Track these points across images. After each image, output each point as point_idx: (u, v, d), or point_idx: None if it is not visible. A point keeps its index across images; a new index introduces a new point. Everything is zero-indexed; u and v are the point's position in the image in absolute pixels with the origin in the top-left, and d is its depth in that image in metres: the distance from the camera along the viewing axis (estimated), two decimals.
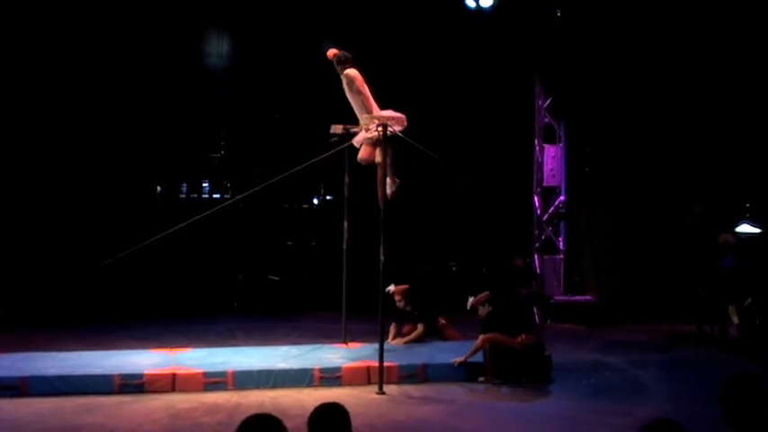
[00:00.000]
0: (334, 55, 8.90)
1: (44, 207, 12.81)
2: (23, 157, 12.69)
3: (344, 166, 9.40)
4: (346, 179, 9.49)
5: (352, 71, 8.81)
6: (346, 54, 8.88)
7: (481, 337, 8.64)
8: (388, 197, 8.89)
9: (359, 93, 8.79)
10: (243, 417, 3.18)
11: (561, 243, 13.26)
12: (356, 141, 9.02)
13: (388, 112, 8.85)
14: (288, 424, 3.17)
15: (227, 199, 12.53)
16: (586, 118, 12.98)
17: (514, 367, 8.61)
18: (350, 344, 9.63)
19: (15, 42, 12.22)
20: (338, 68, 8.89)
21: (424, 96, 12.10)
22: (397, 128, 8.73)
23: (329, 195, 14.34)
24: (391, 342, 9.67)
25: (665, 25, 12.14)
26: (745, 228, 11.57)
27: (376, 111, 8.80)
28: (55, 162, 12.82)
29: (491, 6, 12.21)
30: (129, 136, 13.26)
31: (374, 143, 8.88)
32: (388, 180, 8.88)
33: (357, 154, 9.16)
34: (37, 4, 12.05)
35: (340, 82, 8.91)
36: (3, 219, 12.56)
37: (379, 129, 8.63)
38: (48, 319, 11.74)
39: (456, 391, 8.32)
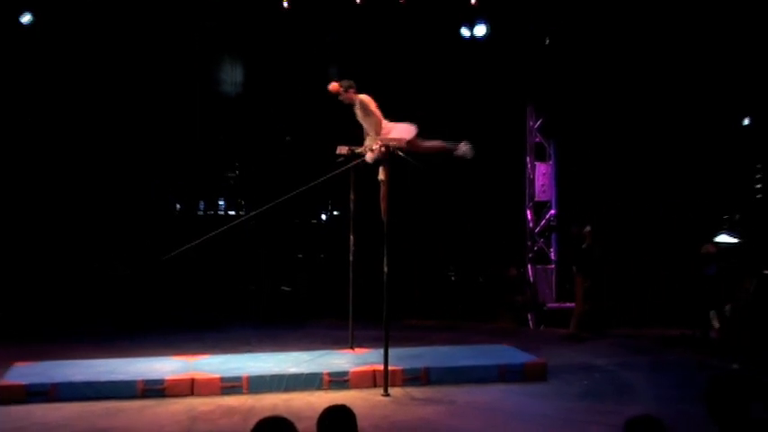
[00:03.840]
0: (337, 89, 8.87)
1: (73, 223, 12.84)
2: (56, 177, 12.74)
3: (350, 185, 9.41)
4: (352, 196, 9.49)
5: (364, 96, 8.81)
6: (349, 82, 8.87)
7: None
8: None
9: (372, 114, 8.80)
10: (257, 419, 3.16)
11: (553, 254, 13.25)
12: (370, 159, 8.99)
13: (401, 125, 8.86)
14: (300, 426, 3.15)
15: (242, 215, 12.53)
16: (575, 137, 13.01)
17: None
18: (356, 349, 9.60)
19: (51, 67, 12.30)
20: (345, 97, 8.86)
21: (423, 119, 12.07)
22: (394, 143, 8.73)
23: (336, 211, 14.32)
24: None
25: (647, 51, 12.16)
26: (723, 238, 11.55)
27: (387, 127, 8.80)
28: (85, 182, 12.91)
29: (484, 35, 12.26)
30: (152, 158, 13.32)
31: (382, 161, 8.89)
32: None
33: (362, 171, 9.20)
34: (60, 38, 12.09)
35: (344, 107, 8.91)
36: (36, 236, 12.59)
37: (382, 149, 8.66)
38: (73, 328, 11.73)
39: (455, 393, 8.28)
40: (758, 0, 10.93)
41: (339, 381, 8.47)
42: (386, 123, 8.90)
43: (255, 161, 13.93)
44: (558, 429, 7.17)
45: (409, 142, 8.88)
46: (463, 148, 9.09)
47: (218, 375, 8.36)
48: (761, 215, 12.64)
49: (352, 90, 8.81)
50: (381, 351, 8.32)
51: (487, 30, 12.23)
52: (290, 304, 13.44)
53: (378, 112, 8.82)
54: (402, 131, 8.88)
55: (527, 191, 13.25)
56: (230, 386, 8.25)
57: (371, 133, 8.89)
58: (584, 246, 11.64)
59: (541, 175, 13.14)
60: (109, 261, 12.85)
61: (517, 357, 9.35)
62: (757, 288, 9.90)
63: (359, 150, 8.99)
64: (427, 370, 8.76)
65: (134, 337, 11.15)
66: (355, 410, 3.45)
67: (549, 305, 12.84)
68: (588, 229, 11.72)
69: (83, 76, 12.55)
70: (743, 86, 12.27)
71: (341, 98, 8.84)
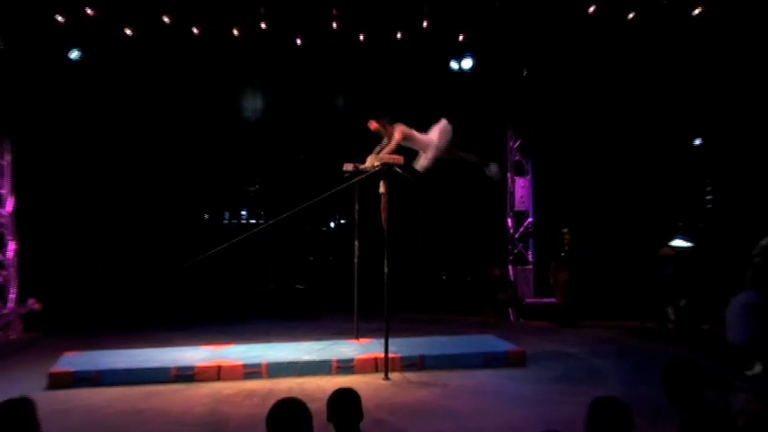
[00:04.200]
0: (377, 127, 8.80)
1: (118, 232, 12.88)
2: (114, 193, 12.84)
3: (355, 197, 9.42)
4: (356, 207, 9.51)
5: (398, 127, 8.78)
6: (384, 118, 8.84)
7: None
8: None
9: (409, 140, 8.84)
10: (275, 400, 3.16)
11: (530, 256, 13.25)
12: (422, 167, 8.95)
13: (436, 127, 8.92)
14: (312, 406, 3.15)
15: (261, 224, 12.54)
16: (549, 156, 13.05)
17: None
18: (361, 339, 9.59)
19: (96, 97, 12.34)
20: (384, 132, 8.84)
21: None
22: (393, 161, 8.75)
23: (343, 220, 14.34)
24: None
25: (611, 82, 12.22)
26: (678, 242, 11.55)
27: (424, 139, 8.85)
28: (132, 199, 13.06)
29: (471, 68, 12.29)
30: (184, 175, 13.39)
31: (381, 177, 8.91)
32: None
33: (365, 185, 9.24)
34: (104, 73, 12.12)
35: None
36: (87, 247, 12.61)
37: (382, 166, 8.72)
38: (117, 322, 11.73)
39: (447, 378, 8.27)
40: (706, 40, 10.95)
41: (346, 367, 8.47)
42: (422, 136, 8.88)
43: (273, 177, 13.97)
44: (536, 408, 7.15)
45: (445, 149, 8.86)
46: (493, 169, 9.11)
47: (241, 362, 8.36)
48: (711, 223, 12.67)
49: (388, 124, 8.84)
50: (382, 341, 8.32)
51: (473, 63, 12.26)
52: (304, 300, 13.44)
53: (407, 134, 8.81)
54: (436, 131, 8.90)
55: (508, 202, 13.26)
56: (252, 372, 8.25)
57: (421, 150, 8.88)
58: (565, 246, 11.78)
59: (520, 188, 13.17)
60: (148, 265, 12.84)
61: (500, 346, 9.34)
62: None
63: (363, 167, 9.01)
64: (422, 357, 8.75)
65: (169, 329, 11.14)
66: (360, 392, 3.46)
67: (528, 300, 12.82)
68: (566, 230, 11.87)
69: (125, 105, 12.59)
70: (694, 111, 12.30)
71: (381, 133, 8.84)
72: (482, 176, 12.72)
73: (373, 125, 8.78)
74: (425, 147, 8.88)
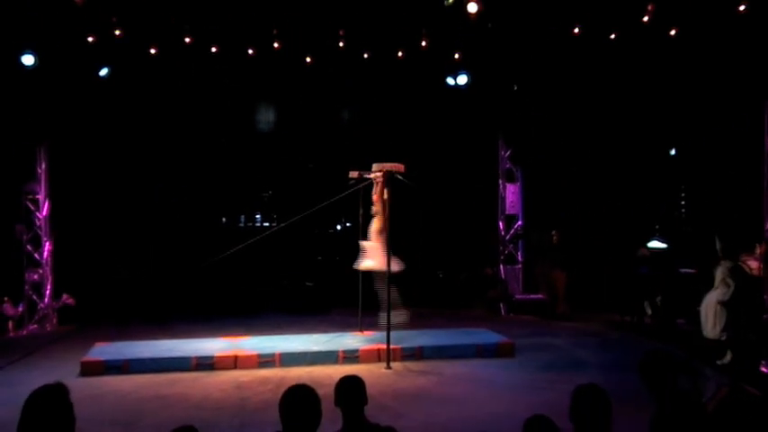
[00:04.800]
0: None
1: (141, 233, 12.90)
2: (135, 198, 12.87)
3: (359, 202, 9.44)
4: (360, 211, 9.53)
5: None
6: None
7: None
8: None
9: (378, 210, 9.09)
10: (287, 387, 3.19)
11: (520, 256, 13.26)
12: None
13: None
14: (320, 392, 3.18)
15: (274, 227, 12.56)
16: (537, 164, 13.07)
17: None
18: (365, 332, 9.61)
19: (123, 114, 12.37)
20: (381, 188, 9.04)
21: (419, 151, 12.13)
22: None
23: (348, 223, 14.35)
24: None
25: (594, 95, 12.25)
26: (654, 243, 11.54)
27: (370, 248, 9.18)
28: (154, 203, 13.13)
29: (466, 84, 12.32)
30: (205, 183, 13.43)
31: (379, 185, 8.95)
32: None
33: (370, 191, 9.26)
34: (130, 89, 12.14)
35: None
36: (114, 246, 12.63)
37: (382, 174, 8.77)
38: (143, 316, 11.75)
39: (443, 367, 8.28)
40: (681, 60, 10.96)
41: (351, 357, 8.49)
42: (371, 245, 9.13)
43: (285, 183, 14.00)
44: (523, 395, 7.16)
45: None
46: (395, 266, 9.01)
47: (256, 352, 8.39)
48: (683, 226, 12.68)
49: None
50: (385, 333, 8.34)
51: (468, 79, 12.29)
52: (313, 296, 13.44)
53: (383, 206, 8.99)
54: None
55: (499, 206, 13.28)
56: (265, 361, 8.27)
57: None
58: (554, 246, 11.98)
59: (511, 194, 13.18)
60: (171, 264, 12.86)
61: (491, 338, 9.35)
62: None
63: (368, 175, 9.04)
64: (421, 348, 8.77)
65: (191, 322, 11.16)
66: (364, 380, 3.48)
67: (517, 297, 12.82)
68: (554, 232, 11.94)
69: (149, 119, 12.62)
70: (670, 124, 12.32)
71: (377, 182, 8.95)
72: (476, 183, 12.83)
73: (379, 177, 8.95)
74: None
